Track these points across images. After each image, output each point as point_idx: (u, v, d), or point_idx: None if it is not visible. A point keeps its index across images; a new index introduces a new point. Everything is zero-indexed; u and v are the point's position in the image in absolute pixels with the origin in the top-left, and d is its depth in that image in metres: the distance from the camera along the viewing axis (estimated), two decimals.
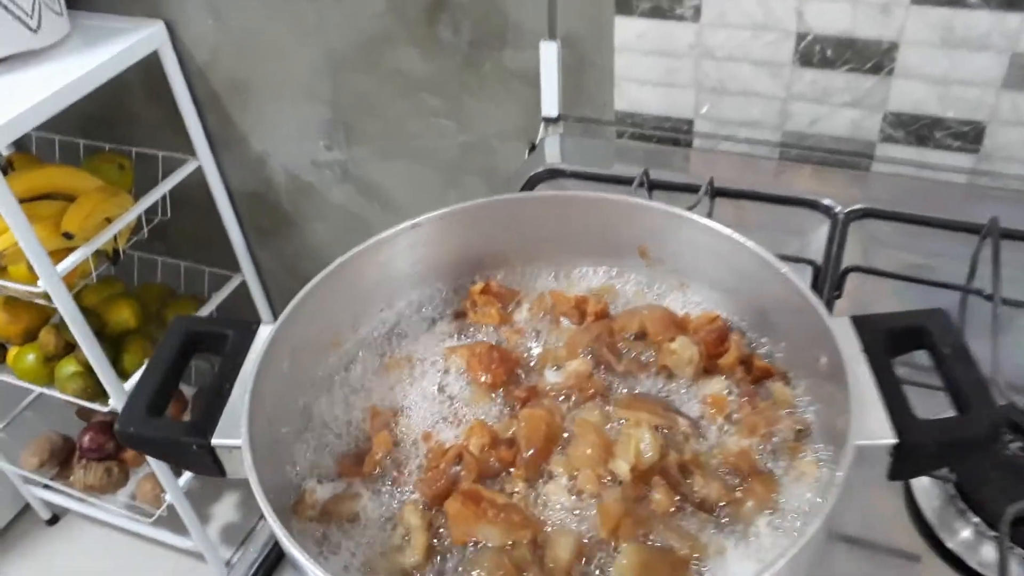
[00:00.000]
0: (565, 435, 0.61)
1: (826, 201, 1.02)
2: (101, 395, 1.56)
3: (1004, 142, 1.03)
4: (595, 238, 0.72)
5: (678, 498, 0.56)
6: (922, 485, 0.70)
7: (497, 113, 1.34)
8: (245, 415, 0.54)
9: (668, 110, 1.18)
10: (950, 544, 0.66)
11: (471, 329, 0.71)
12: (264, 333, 0.61)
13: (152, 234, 1.64)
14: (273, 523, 0.49)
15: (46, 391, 1.62)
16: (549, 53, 1.19)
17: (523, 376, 0.67)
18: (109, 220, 1.45)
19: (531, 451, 0.59)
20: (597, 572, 0.53)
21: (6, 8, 1.27)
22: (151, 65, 1.46)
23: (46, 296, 1.36)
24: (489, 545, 0.54)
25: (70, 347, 1.58)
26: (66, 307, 1.37)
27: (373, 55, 1.36)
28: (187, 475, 1.73)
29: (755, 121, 1.15)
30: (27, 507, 2.05)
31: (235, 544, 1.95)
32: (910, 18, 0.98)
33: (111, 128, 1.70)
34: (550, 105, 1.23)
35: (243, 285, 1.79)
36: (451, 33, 1.28)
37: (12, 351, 1.66)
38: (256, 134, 1.58)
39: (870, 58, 1.03)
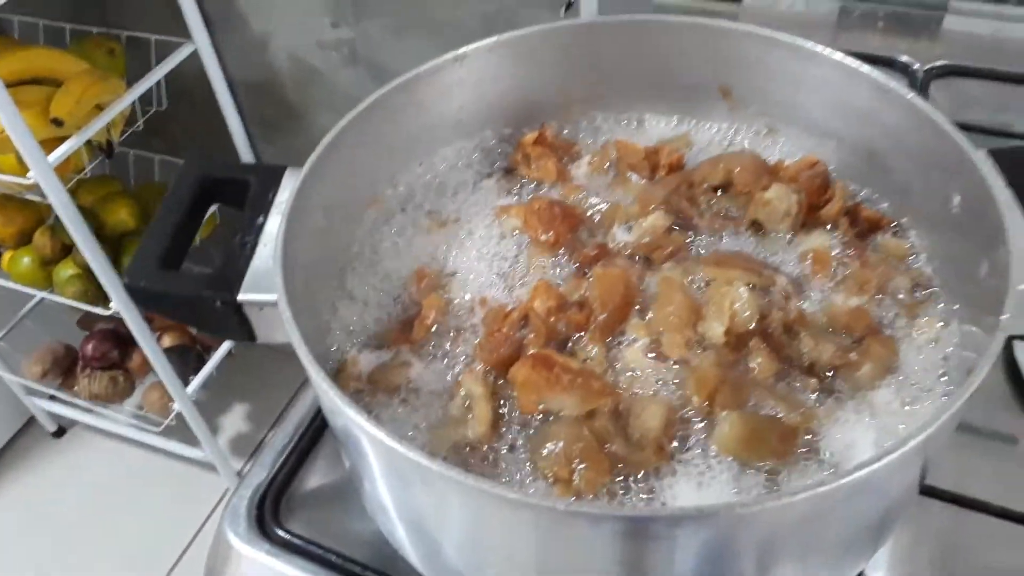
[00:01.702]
0: (643, 299, 0.53)
1: (903, 58, 0.91)
2: (102, 299, 1.47)
3: None
4: (667, 77, 0.62)
5: (782, 364, 0.48)
6: None
7: None
8: (279, 265, 0.45)
9: None
10: None
11: (523, 186, 0.62)
12: (291, 180, 0.52)
13: (148, 127, 1.52)
14: (319, 380, 0.41)
15: (46, 296, 1.53)
16: None
17: (588, 236, 0.58)
18: (100, 107, 1.34)
19: (606, 313, 0.51)
20: (694, 446, 0.45)
21: None
22: None
23: (38, 190, 1.26)
24: (563, 415, 0.47)
25: (67, 250, 1.49)
26: (60, 201, 1.27)
27: None
28: (195, 382, 1.66)
29: None
30: (32, 420, 1.99)
31: (246, 455, 1.91)
32: None
33: (99, 11, 1.56)
34: None
35: None
36: None
37: (7, 255, 1.57)
38: (255, 13, 1.45)
39: None
